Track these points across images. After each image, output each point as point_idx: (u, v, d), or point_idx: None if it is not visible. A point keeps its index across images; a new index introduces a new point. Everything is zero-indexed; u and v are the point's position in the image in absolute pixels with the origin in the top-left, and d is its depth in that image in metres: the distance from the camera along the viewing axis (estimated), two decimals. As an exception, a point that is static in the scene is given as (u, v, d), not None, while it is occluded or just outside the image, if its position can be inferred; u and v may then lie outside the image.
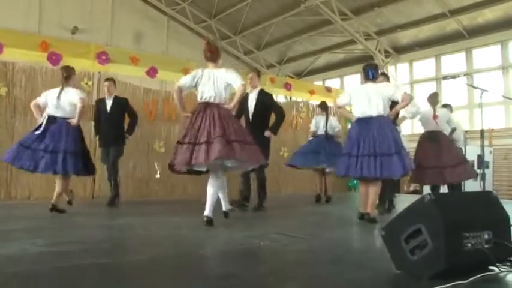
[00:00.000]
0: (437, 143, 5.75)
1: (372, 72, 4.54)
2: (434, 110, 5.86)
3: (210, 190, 4.04)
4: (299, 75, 16.02)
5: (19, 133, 6.50)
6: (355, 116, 4.51)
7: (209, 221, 3.90)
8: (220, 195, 4.20)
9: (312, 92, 10.47)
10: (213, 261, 2.54)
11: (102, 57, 7.37)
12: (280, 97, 12.10)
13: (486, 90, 4.79)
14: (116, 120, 5.80)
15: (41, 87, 6.74)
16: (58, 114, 4.77)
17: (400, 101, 4.46)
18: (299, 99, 10.43)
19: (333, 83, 14.86)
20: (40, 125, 4.74)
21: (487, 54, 11.45)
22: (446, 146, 5.78)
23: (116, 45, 12.11)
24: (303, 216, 5.17)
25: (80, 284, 1.96)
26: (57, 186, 4.80)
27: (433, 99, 6.01)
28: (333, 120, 7.09)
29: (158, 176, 7.69)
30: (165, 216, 4.80)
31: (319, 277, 2.15)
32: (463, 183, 6.25)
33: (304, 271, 2.35)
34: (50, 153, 4.59)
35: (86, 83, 7.03)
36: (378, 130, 4.26)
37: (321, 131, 6.88)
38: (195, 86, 4.16)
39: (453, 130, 6.11)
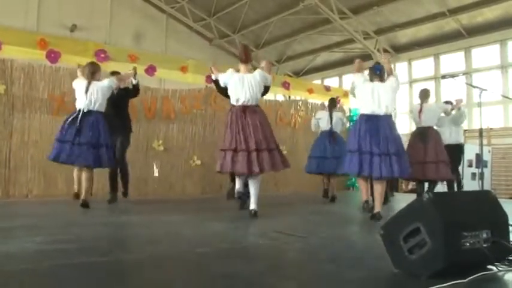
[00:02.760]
0: (425, 139, 5.87)
1: (379, 68, 4.55)
2: (421, 106, 6.00)
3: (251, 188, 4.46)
4: (298, 74, 16.01)
5: (17, 131, 6.50)
6: (362, 113, 4.51)
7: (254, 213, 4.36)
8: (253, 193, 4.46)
9: (310, 91, 10.48)
10: (212, 259, 2.54)
11: (101, 55, 7.36)
12: (278, 96, 12.13)
13: (485, 90, 4.79)
14: (122, 107, 5.77)
15: (39, 85, 6.74)
16: (90, 107, 4.93)
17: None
18: (298, 98, 10.43)
19: (331, 81, 14.87)
20: (72, 118, 4.90)
21: (486, 54, 11.45)
22: (432, 144, 5.87)
23: (115, 43, 12.10)
24: (302, 215, 5.17)
25: (78, 282, 1.96)
26: (86, 182, 4.94)
27: (421, 94, 6.18)
28: (340, 115, 6.97)
29: (156, 174, 7.69)
30: (163, 215, 4.80)
31: (318, 275, 2.16)
32: (462, 182, 6.36)
33: (303, 269, 2.35)
34: (93, 147, 4.82)
35: (85, 81, 7.02)
36: (389, 130, 4.31)
37: (324, 127, 6.78)
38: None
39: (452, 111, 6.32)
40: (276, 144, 4.47)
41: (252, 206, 4.41)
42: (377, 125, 4.31)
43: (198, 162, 7.95)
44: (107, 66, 7.35)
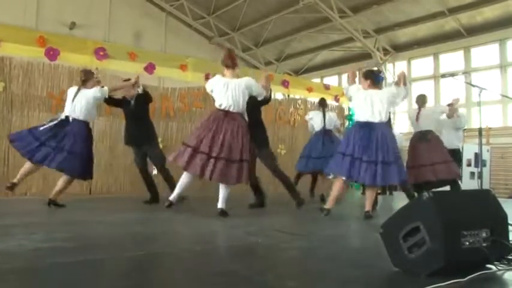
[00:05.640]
0: (426, 142, 5.83)
1: (377, 79, 4.64)
2: (419, 111, 5.97)
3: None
4: (297, 72, 16.00)
5: (16, 129, 6.47)
6: (357, 120, 4.58)
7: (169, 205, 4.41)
8: (221, 193, 4.37)
9: (309, 89, 10.48)
10: (211, 257, 2.54)
11: (100, 52, 7.34)
12: (278, 94, 12.13)
13: (484, 89, 4.79)
14: (141, 117, 5.68)
15: (38, 83, 6.72)
16: (72, 115, 4.79)
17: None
18: (297, 97, 10.43)
19: (330, 80, 14.86)
20: (54, 120, 4.79)
21: (486, 53, 11.45)
22: (434, 144, 5.85)
23: (114, 40, 12.06)
24: (300, 214, 5.16)
25: (76, 280, 1.95)
26: (60, 184, 4.80)
27: (419, 100, 6.14)
28: (332, 115, 6.94)
29: (155, 172, 7.67)
30: (162, 213, 4.79)
31: (317, 274, 2.15)
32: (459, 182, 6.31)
33: (302, 268, 2.35)
34: (56, 149, 4.63)
35: (84, 79, 7.01)
36: (381, 138, 4.35)
37: (318, 127, 6.75)
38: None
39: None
40: (241, 156, 4.28)
41: (219, 205, 4.34)
42: (370, 133, 4.38)
43: (197, 160, 7.93)
44: (106, 64, 7.36)
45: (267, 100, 5.08)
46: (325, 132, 6.62)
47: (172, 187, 5.74)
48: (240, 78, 4.43)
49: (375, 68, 5.42)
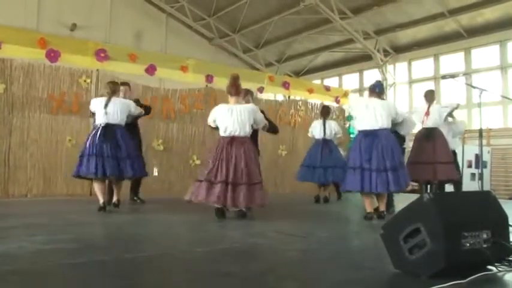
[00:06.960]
0: (432, 140, 5.82)
1: (379, 88, 4.67)
2: (428, 107, 5.96)
3: None
4: (298, 73, 16.00)
5: (17, 130, 6.50)
6: (360, 129, 4.58)
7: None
8: None
9: (310, 91, 10.49)
10: (211, 259, 2.54)
11: (101, 54, 7.35)
12: (278, 96, 12.14)
13: (485, 90, 4.78)
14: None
15: (38, 84, 6.73)
16: (109, 121, 4.82)
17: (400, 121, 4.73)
18: (297, 98, 10.43)
19: (331, 81, 14.86)
20: (95, 133, 4.81)
21: (486, 54, 11.44)
22: (440, 143, 5.84)
23: (115, 42, 12.07)
24: (300, 215, 5.16)
25: (77, 281, 1.96)
26: (116, 191, 5.01)
27: (428, 95, 6.10)
28: (333, 124, 6.83)
29: (156, 174, 7.68)
30: (162, 214, 4.79)
31: (318, 275, 2.15)
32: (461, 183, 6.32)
33: (302, 269, 2.35)
34: (115, 159, 4.75)
35: (85, 81, 7.02)
36: (386, 144, 4.37)
37: (318, 136, 6.68)
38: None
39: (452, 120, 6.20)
40: (259, 178, 4.34)
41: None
42: (374, 141, 4.38)
43: (198, 162, 7.94)
44: (106, 66, 7.38)
45: (270, 127, 4.99)
46: (324, 142, 6.59)
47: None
48: (244, 104, 4.43)
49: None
